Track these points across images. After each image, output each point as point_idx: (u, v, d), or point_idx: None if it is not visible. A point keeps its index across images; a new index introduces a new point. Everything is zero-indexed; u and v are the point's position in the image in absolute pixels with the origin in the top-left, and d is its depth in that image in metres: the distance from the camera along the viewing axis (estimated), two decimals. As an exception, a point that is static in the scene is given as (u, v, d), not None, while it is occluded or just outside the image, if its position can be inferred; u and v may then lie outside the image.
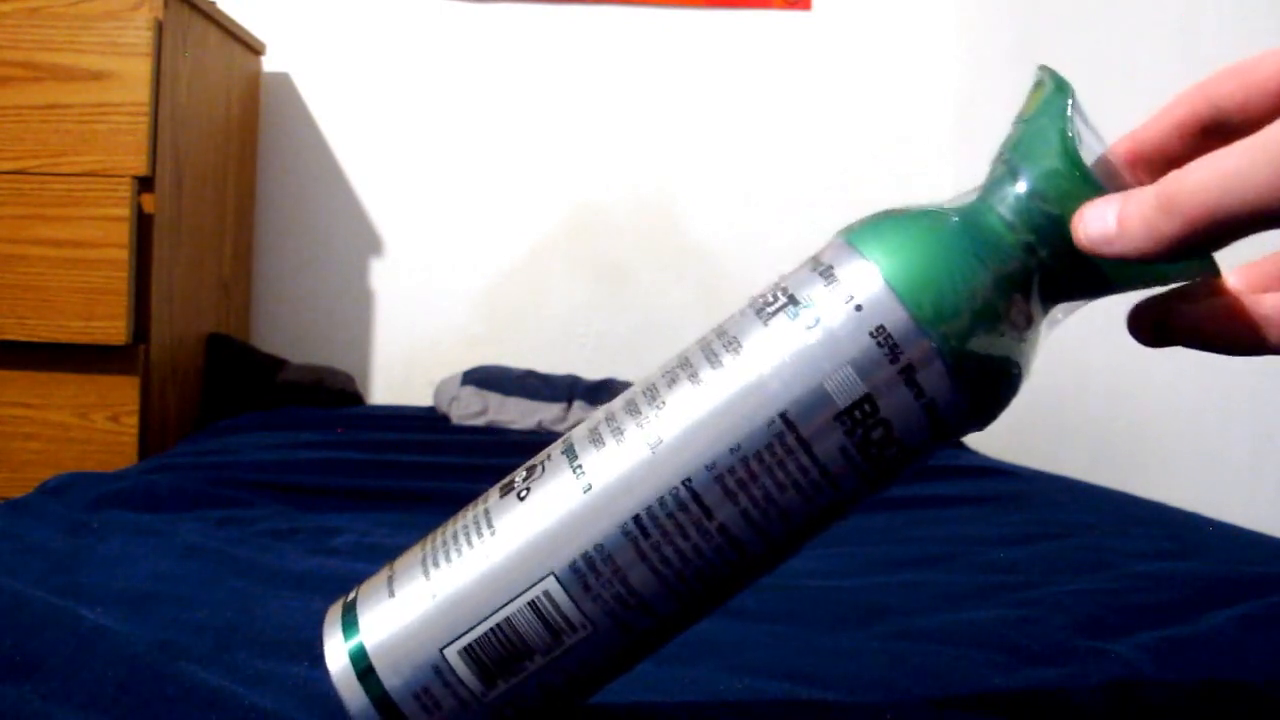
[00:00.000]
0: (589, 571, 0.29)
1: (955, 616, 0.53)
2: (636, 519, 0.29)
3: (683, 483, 0.29)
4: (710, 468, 0.29)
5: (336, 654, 0.31)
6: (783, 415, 0.28)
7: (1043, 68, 0.31)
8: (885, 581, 0.61)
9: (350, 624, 0.31)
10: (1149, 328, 0.31)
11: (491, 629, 0.29)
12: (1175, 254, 0.27)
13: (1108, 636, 0.50)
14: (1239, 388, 0.90)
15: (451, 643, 0.30)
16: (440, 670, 0.30)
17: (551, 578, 0.29)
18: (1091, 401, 1.18)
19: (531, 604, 0.29)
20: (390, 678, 0.30)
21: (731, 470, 0.28)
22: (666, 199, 1.63)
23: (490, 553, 0.30)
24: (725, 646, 0.46)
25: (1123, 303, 0.32)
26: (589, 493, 0.29)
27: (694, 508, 0.29)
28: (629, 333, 1.61)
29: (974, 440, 1.29)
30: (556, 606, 0.29)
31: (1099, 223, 0.28)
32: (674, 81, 1.62)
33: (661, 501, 0.29)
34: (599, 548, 0.29)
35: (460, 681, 0.30)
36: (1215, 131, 0.32)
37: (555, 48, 1.61)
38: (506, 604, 0.29)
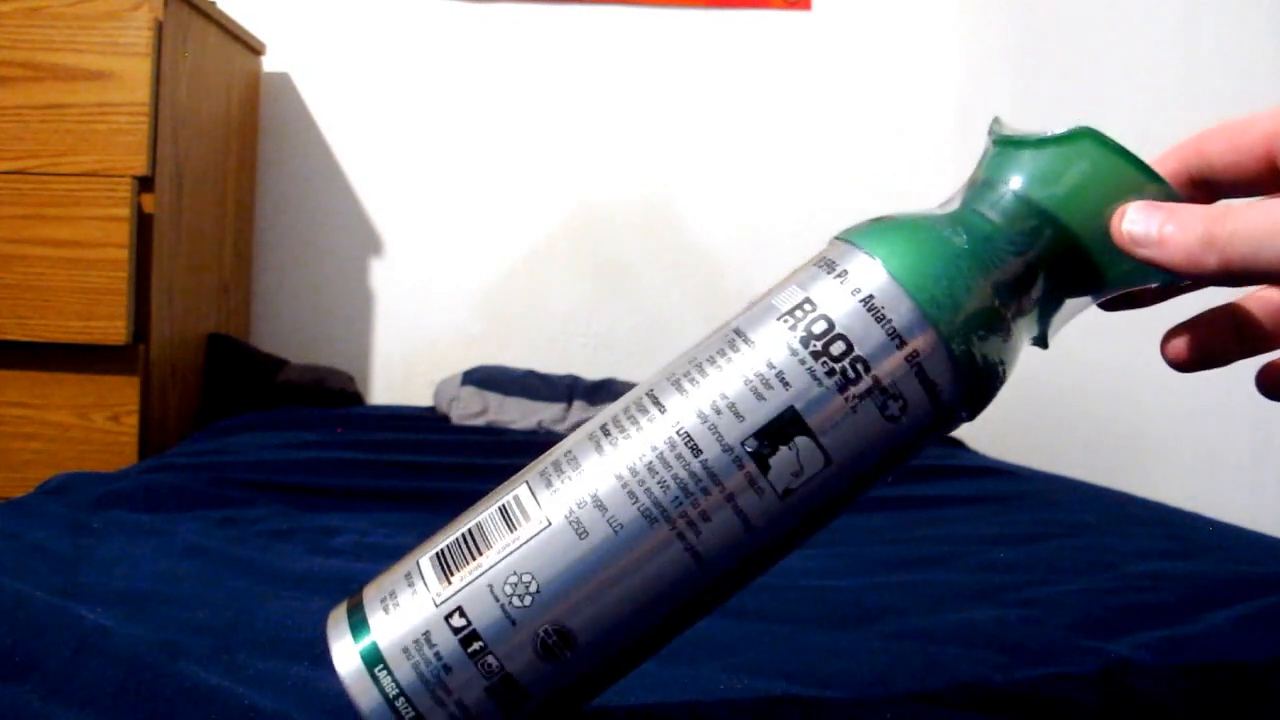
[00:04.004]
0: (554, 472, 0.31)
1: (955, 616, 0.53)
2: (603, 426, 0.31)
3: (646, 393, 0.31)
4: (670, 376, 0.31)
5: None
6: (736, 329, 0.31)
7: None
8: (885, 581, 0.61)
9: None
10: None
11: (461, 534, 0.31)
12: (1204, 282, 0.29)
13: (1108, 636, 0.50)
14: (1239, 388, 0.90)
15: (428, 554, 0.31)
16: (410, 576, 0.31)
17: (524, 484, 0.31)
18: (1091, 401, 1.18)
19: (501, 507, 0.31)
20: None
21: (686, 373, 0.30)
22: (666, 199, 1.63)
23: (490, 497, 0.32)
24: (725, 646, 0.46)
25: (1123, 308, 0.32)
26: (578, 427, 0.32)
27: (651, 407, 0.30)
28: (629, 333, 1.61)
29: (974, 440, 1.29)
30: (520, 505, 0.30)
31: (1142, 226, 0.30)
32: (674, 81, 1.62)
33: (626, 408, 0.31)
34: (568, 453, 0.31)
35: (423, 581, 0.30)
36: (1203, 185, 0.34)
37: (555, 48, 1.61)
38: (481, 513, 0.31)
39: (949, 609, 0.55)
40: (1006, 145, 0.32)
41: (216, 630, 0.46)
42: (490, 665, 0.29)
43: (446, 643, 0.29)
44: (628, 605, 0.29)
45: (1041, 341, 0.33)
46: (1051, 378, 1.22)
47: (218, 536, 0.66)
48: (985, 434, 1.27)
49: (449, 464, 0.96)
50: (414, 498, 0.83)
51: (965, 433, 1.28)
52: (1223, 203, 0.29)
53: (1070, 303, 0.33)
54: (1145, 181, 0.30)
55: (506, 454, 1.04)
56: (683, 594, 0.30)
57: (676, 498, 0.29)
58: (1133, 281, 0.32)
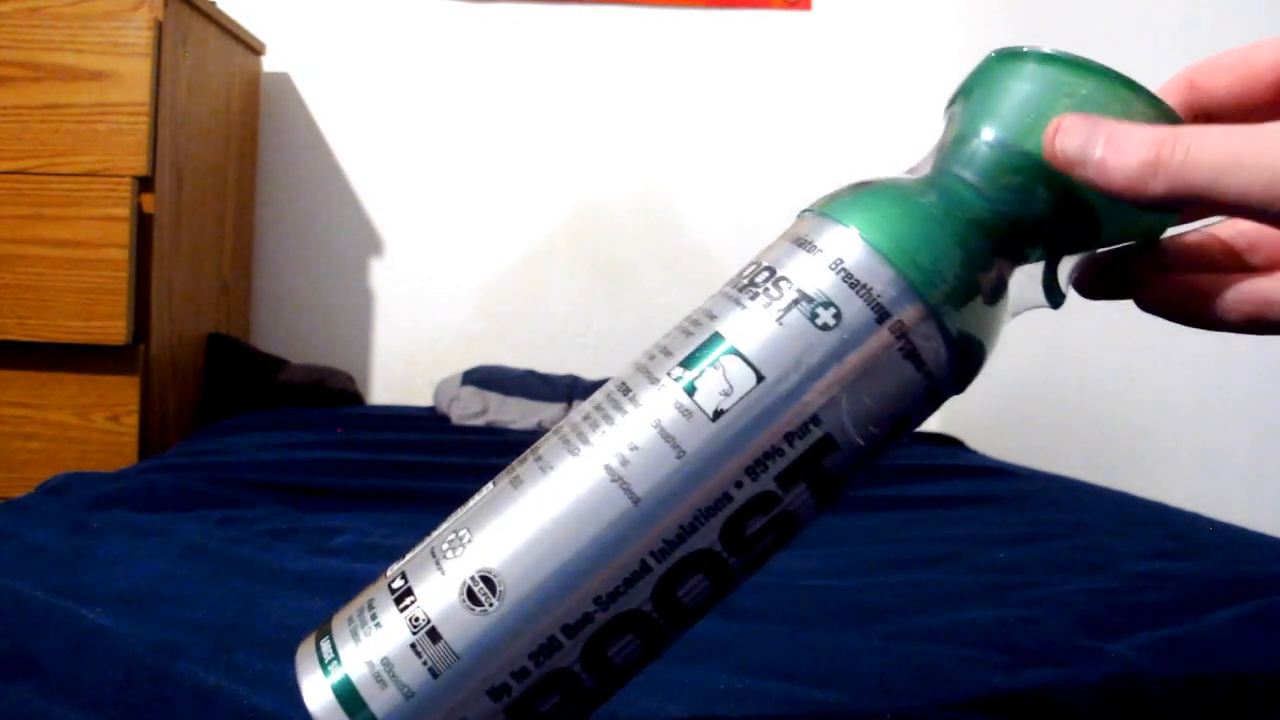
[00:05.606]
0: (519, 464, 0.30)
1: (955, 616, 0.53)
2: (573, 422, 0.30)
3: (617, 385, 0.30)
4: (636, 363, 0.30)
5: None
6: (702, 310, 0.30)
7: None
8: (885, 581, 0.61)
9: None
10: (1110, 287, 0.31)
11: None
12: (1143, 207, 0.26)
13: (1108, 636, 0.50)
14: (1239, 388, 0.90)
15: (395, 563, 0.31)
16: (377, 581, 0.30)
17: (490, 485, 0.31)
18: (1091, 401, 1.18)
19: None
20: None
21: (649, 355, 0.30)
22: (666, 199, 1.63)
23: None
24: (725, 646, 0.46)
25: (1126, 307, 0.32)
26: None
27: (614, 389, 0.29)
28: (629, 333, 1.61)
29: (974, 440, 1.29)
30: (479, 492, 0.30)
31: (1077, 141, 0.27)
32: (674, 81, 1.62)
33: (595, 402, 0.30)
34: (536, 453, 0.30)
35: (385, 575, 0.30)
36: (1204, 120, 0.32)
37: (555, 48, 1.61)
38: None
39: (949, 609, 0.55)
40: (956, 96, 0.31)
41: (216, 630, 0.46)
42: (417, 618, 0.28)
43: (383, 601, 0.29)
44: (561, 553, 0.28)
45: (1053, 298, 0.31)
46: (1051, 378, 1.22)
47: (218, 536, 0.66)
48: (985, 434, 1.27)
49: (449, 464, 0.96)
50: (414, 498, 0.83)
51: (965, 433, 1.28)
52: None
53: (1069, 257, 0.31)
54: (1078, 78, 0.28)
55: (506, 454, 1.03)
56: (622, 542, 0.28)
57: (603, 431, 0.28)
58: (1128, 226, 0.29)
